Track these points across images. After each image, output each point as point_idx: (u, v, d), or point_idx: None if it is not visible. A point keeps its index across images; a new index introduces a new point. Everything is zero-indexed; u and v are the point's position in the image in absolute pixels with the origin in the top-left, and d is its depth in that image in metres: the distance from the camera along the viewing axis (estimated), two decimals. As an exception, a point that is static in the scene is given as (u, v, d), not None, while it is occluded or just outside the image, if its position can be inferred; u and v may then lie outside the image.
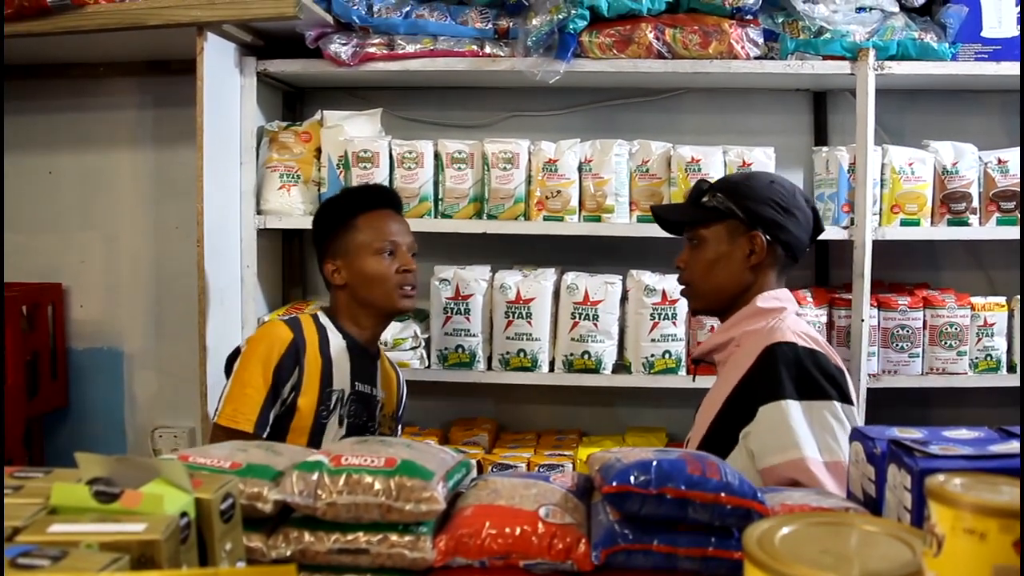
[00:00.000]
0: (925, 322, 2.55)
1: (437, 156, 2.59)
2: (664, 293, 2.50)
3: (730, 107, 2.85)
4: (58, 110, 3.00)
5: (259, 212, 2.61)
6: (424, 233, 2.69)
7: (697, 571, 1.06)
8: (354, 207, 2.04)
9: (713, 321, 2.52)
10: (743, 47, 2.46)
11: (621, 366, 2.60)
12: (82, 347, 3.03)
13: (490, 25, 2.53)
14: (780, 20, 2.53)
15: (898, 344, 2.54)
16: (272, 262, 2.84)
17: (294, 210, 2.60)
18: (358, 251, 1.98)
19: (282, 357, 1.86)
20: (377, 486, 1.07)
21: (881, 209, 2.52)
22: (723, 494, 1.05)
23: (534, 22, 2.44)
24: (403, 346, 2.55)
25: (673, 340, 2.52)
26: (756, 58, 2.49)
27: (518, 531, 1.08)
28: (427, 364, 2.59)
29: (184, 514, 0.89)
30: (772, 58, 2.53)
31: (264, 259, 2.69)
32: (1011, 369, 2.57)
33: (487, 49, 2.53)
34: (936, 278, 2.80)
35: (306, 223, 2.63)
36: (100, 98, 2.98)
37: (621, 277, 2.56)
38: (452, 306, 2.55)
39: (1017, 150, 2.54)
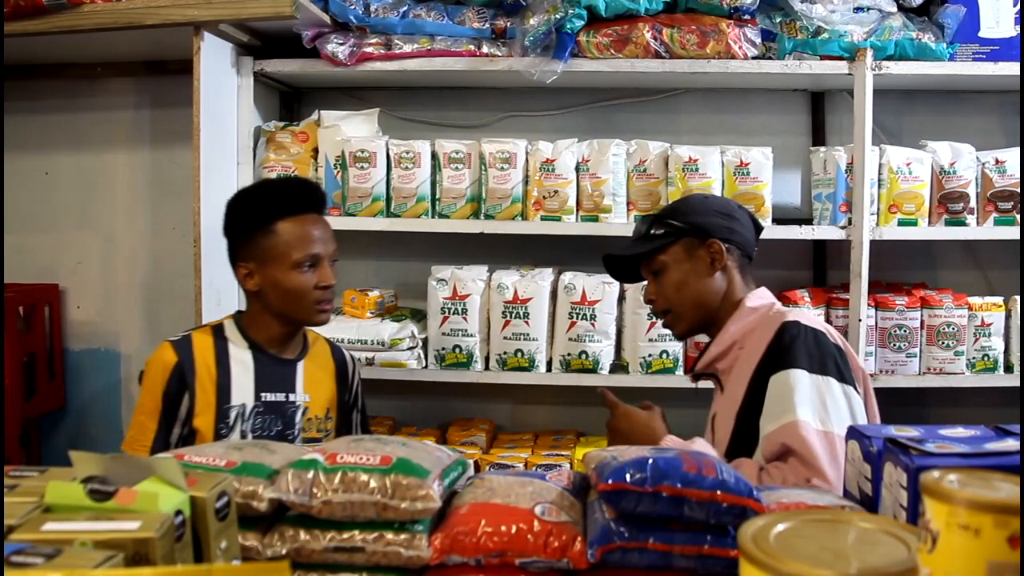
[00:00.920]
0: (922, 322, 2.55)
1: (434, 156, 2.59)
2: (661, 293, 2.50)
3: (728, 107, 2.85)
4: (54, 110, 3.00)
5: (256, 212, 2.60)
6: (421, 233, 2.70)
7: (693, 569, 1.06)
8: (274, 210, 1.84)
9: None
10: (741, 47, 2.46)
11: (619, 366, 2.60)
12: (79, 348, 3.03)
13: (487, 25, 2.53)
14: (778, 20, 2.53)
15: (895, 344, 2.54)
16: (269, 262, 2.83)
17: (291, 210, 2.59)
18: (275, 261, 1.81)
19: (167, 383, 1.79)
20: (373, 484, 1.07)
21: (879, 209, 2.52)
22: (719, 492, 1.05)
23: (531, 22, 2.44)
24: (400, 346, 2.54)
25: (670, 340, 2.51)
26: (754, 58, 2.49)
27: (514, 529, 1.07)
28: (424, 364, 2.59)
29: (179, 512, 0.89)
30: (770, 58, 2.53)
31: (261, 259, 2.68)
32: (1008, 369, 2.57)
33: (484, 49, 2.53)
34: (933, 278, 2.80)
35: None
36: (96, 98, 2.98)
37: (619, 277, 2.57)
38: (449, 306, 2.55)
39: (1014, 150, 2.54)
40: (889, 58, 2.48)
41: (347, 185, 2.57)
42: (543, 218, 2.54)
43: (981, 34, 2.51)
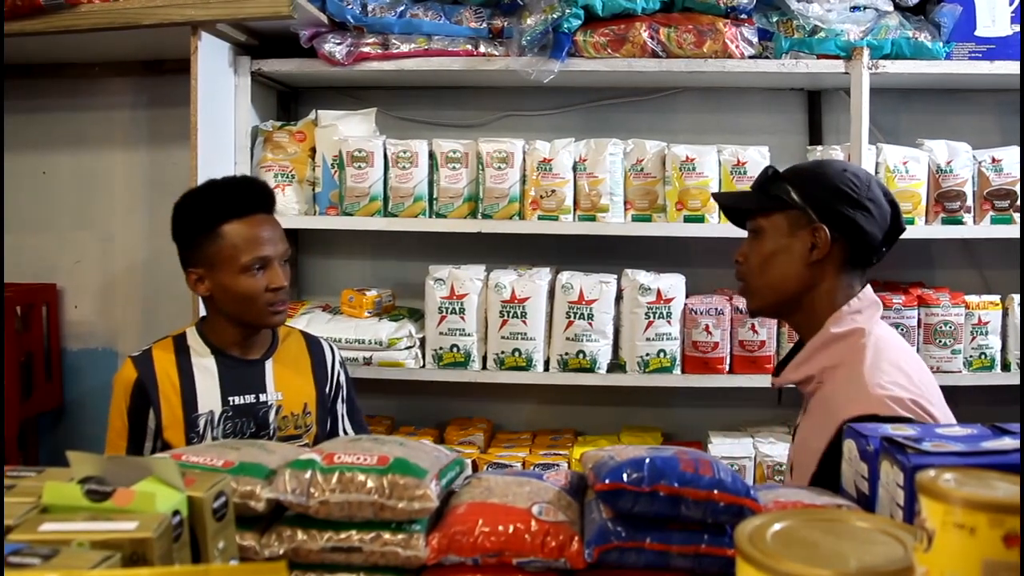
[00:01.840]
0: (920, 320, 2.55)
1: (432, 156, 2.59)
2: (659, 292, 2.50)
3: (725, 106, 2.85)
4: (52, 110, 3.00)
5: (254, 212, 2.60)
6: (419, 233, 2.70)
7: (690, 568, 1.06)
8: (219, 212, 1.78)
9: (710, 319, 2.53)
10: (737, 46, 2.46)
11: (616, 365, 2.60)
12: (76, 348, 3.03)
13: (484, 24, 2.53)
14: (774, 19, 2.54)
15: (893, 343, 2.54)
16: (267, 262, 2.83)
17: (288, 210, 2.59)
18: (223, 265, 1.76)
19: (130, 400, 1.78)
20: (370, 484, 1.07)
21: (875, 208, 2.52)
22: (716, 491, 1.05)
23: (528, 21, 2.44)
24: (398, 346, 2.54)
25: (668, 339, 2.52)
26: (751, 57, 2.49)
27: (511, 529, 1.08)
28: (422, 364, 2.59)
29: (176, 512, 0.89)
30: (767, 57, 2.53)
31: (259, 259, 2.68)
32: (1005, 367, 2.58)
33: (482, 49, 2.53)
34: (930, 277, 2.80)
35: (301, 223, 2.64)
36: (94, 98, 2.98)
37: (616, 276, 2.57)
38: (447, 306, 2.55)
39: (1011, 149, 2.55)
40: (885, 57, 2.49)
41: (344, 185, 2.57)
42: (540, 217, 2.54)
43: (977, 33, 2.51)
